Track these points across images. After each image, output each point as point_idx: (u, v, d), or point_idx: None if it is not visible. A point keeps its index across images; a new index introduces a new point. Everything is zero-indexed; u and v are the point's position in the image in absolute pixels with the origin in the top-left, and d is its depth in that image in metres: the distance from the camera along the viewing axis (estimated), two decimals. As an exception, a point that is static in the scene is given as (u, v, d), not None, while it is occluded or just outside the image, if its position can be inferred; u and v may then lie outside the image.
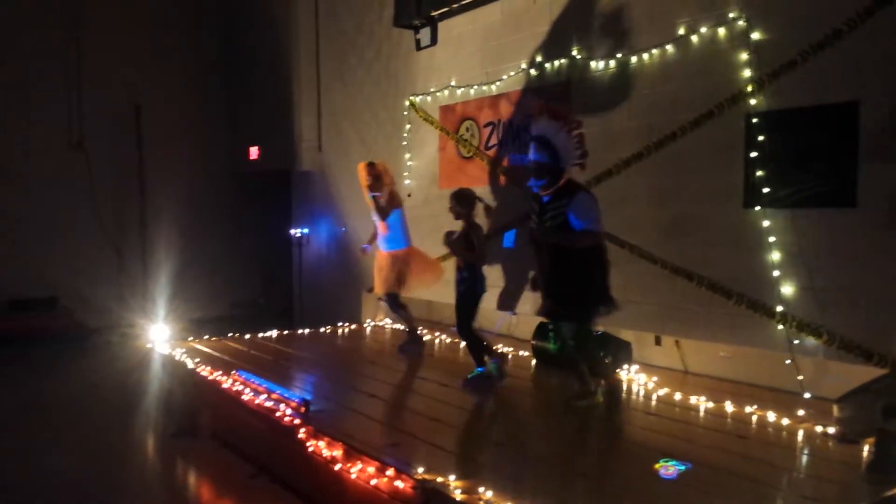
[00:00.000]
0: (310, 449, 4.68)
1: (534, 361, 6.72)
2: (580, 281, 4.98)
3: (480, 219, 6.14)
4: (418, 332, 7.50)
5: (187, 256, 11.10)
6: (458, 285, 5.94)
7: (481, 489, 3.64)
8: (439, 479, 3.80)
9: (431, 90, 8.58)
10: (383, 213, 7.03)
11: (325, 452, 4.55)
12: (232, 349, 7.40)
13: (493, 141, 7.79)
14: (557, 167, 4.98)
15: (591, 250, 4.99)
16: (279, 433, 5.05)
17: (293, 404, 5.14)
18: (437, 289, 7.41)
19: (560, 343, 5.65)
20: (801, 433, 4.68)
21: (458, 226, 6.07)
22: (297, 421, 4.93)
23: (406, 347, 7.33)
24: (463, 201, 5.96)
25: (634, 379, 6.02)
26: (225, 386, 5.94)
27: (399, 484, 3.93)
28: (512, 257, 7.28)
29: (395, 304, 7.27)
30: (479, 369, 5.93)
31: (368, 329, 8.76)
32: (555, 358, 6.31)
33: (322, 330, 8.58)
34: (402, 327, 7.98)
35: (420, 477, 3.85)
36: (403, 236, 7.17)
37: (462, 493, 3.65)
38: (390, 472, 4.02)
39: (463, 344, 6.35)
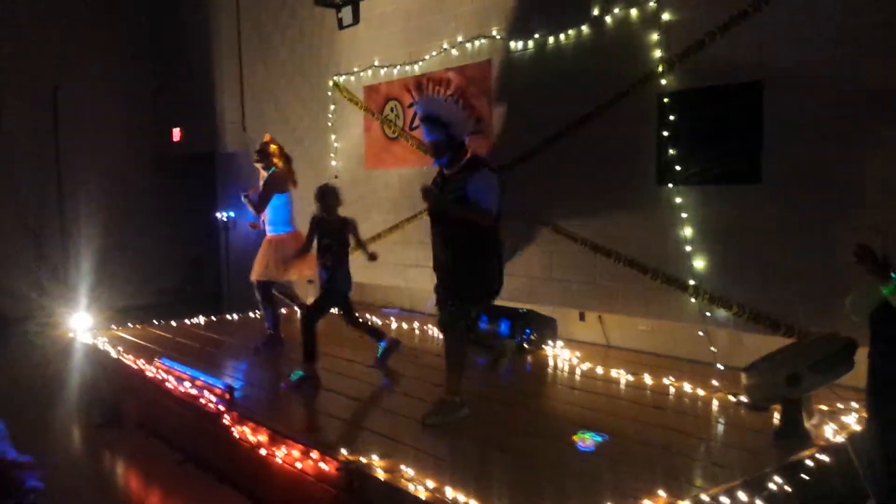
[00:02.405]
0: (235, 435, 4.68)
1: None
2: (460, 267, 4.64)
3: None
4: (279, 333, 6.91)
5: (110, 242, 10.81)
6: (325, 284, 5.71)
7: (402, 467, 3.71)
8: (362, 460, 3.86)
9: (355, 70, 8.54)
10: (260, 196, 6.65)
11: (251, 437, 4.56)
12: (157, 337, 7.30)
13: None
14: (454, 141, 4.59)
15: (478, 236, 4.57)
16: (204, 420, 5.04)
17: (217, 391, 5.12)
18: (368, 270, 7.38)
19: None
20: (714, 402, 4.89)
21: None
22: (221, 407, 4.92)
23: (262, 349, 6.75)
24: (328, 196, 5.71)
25: (559, 355, 6.17)
26: (149, 374, 5.87)
27: (323, 466, 3.98)
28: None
29: (265, 295, 6.77)
30: (300, 374, 5.55)
31: (299, 313, 8.70)
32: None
33: (252, 315, 8.50)
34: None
35: (343, 458, 3.91)
36: (287, 220, 6.75)
37: (385, 472, 3.72)
38: (314, 454, 4.07)
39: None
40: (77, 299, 8.68)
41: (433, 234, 4.80)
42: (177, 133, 11.69)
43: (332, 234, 5.70)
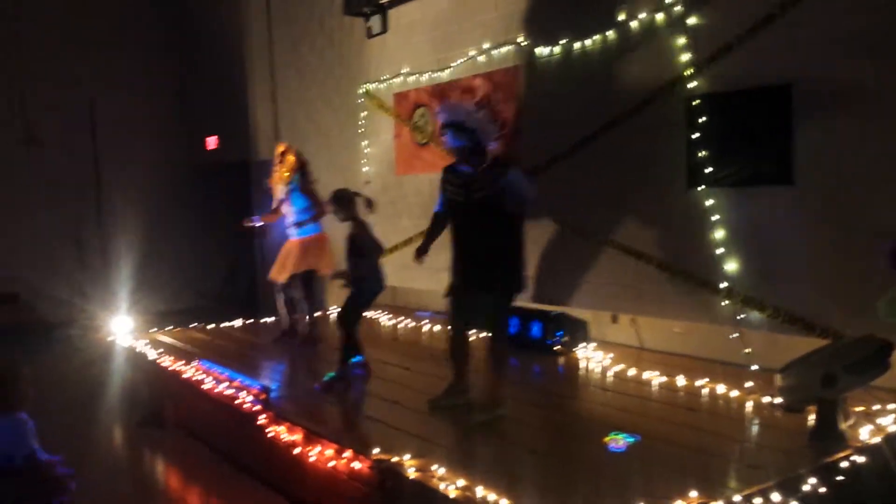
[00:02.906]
0: (270, 435, 4.77)
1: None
2: (497, 261, 4.73)
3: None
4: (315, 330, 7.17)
5: (148, 248, 10.99)
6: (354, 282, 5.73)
7: (434, 466, 3.75)
8: (394, 459, 3.91)
9: (384, 78, 8.64)
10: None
11: (286, 437, 4.64)
12: (195, 339, 7.44)
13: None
14: (480, 147, 4.72)
15: (509, 230, 4.73)
16: (241, 420, 5.13)
17: (254, 391, 5.21)
18: (402, 273, 7.47)
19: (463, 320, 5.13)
20: (749, 404, 4.86)
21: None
22: (257, 408, 5.00)
23: (302, 345, 7.03)
24: (341, 203, 5.71)
25: (591, 357, 6.18)
26: (187, 376, 5.99)
27: (356, 465, 4.04)
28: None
29: (291, 289, 7.05)
30: (332, 375, 5.61)
31: (332, 316, 8.81)
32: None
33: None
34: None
35: (376, 457, 3.96)
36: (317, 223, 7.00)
37: (416, 470, 3.77)
38: (348, 453, 4.13)
39: (417, 324, 6.37)
40: (117, 304, 8.88)
41: (465, 231, 4.85)
42: (212, 142, 11.88)
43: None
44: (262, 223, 7.42)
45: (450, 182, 4.90)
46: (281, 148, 7.12)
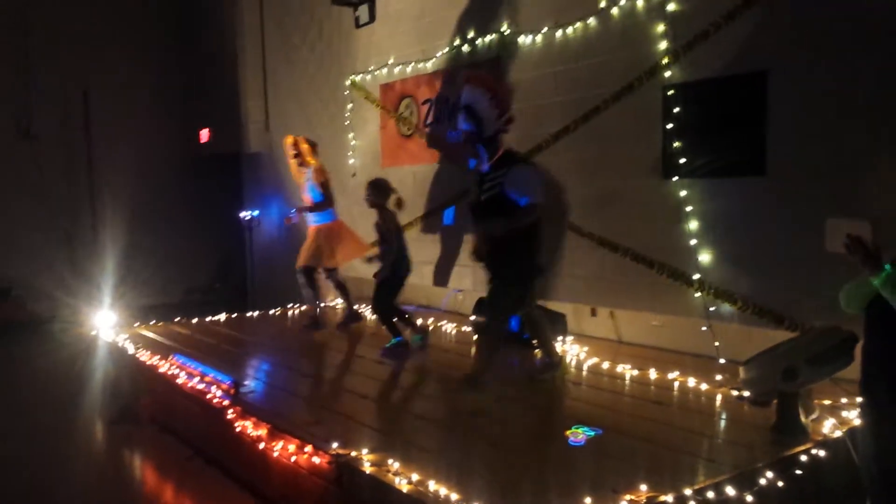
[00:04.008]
0: (238, 429, 4.76)
1: (475, 337, 6.81)
2: (513, 254, 4.95)
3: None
4: (319, 309, 7.61)
5: (139, 242, 11.03)
6: (381, 272, 6.15)
7: (390, 461, 3.74)
8: (353, 453, 3.90)
9: (371, 68, 8.60)
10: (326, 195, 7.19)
11: (252, 432, 4.63)
12: (176, 334, 7.44)
13: (431, 118, 7.83)
14: (481, 136, 4.96)
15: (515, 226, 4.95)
16: (211, 415, 5.13)
17: (224, 386, 5.21)
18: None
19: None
20: (718, 398, 4.82)
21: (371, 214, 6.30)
22: (226, 402, 5.00)
23: (344, 324, 7.45)
24: (379, 191, 6.17)
25: (567, 350, 6.14)
26: (162, 370, 5.99)
27: (316, 459, 4.03)
28: (454, 234, 7.37)
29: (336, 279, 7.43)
30: (397, 339, 6.19)
31: (318, 310, 8.80)
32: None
33: (272, 312, 8.62)
34: (340, 303, 8.01)
35: (334, 451, 3.95)
36: (330, 210, 7.29)
37: (372, 465, 3.76)
38: (308, 448, 4.11)
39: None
40: (104, 298, 8.89)
41: (476, 227, 5.17)
42: (204, 134, 11.89)
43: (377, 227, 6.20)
44: (298, 217, 7.53)
45: (473, 182, 5.19)
46: (290, 140, 7.32)
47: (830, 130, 4.71)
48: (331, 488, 3.93)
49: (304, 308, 8.47)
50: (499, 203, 4.90)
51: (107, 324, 7.67)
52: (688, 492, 3.33)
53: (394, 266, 6.12)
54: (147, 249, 10.89)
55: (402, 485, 3.52)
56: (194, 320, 8.08)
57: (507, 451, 4.04)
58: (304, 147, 7.24)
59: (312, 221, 7.28)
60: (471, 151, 5.12)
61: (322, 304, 7.78)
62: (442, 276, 7.69)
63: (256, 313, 8.58)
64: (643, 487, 3.33)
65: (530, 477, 3.63)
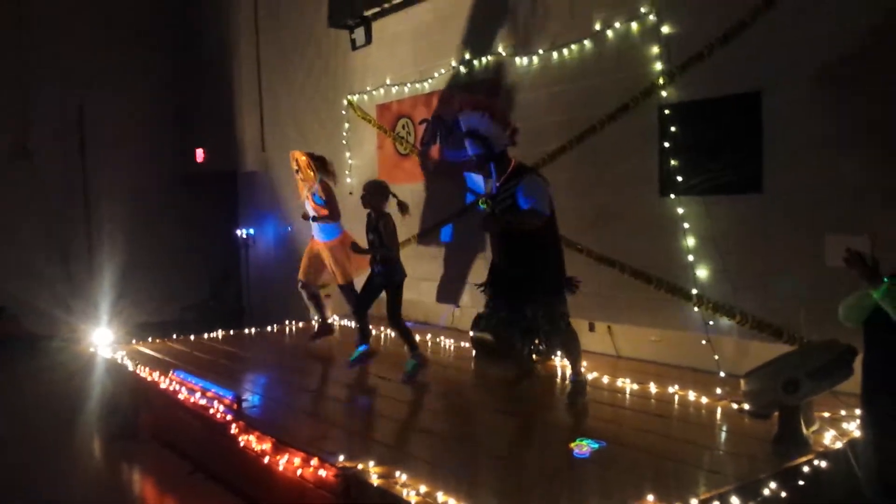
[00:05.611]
0: (241, 444, 4.77)
1: (473, 352, 6.85)
2: (535, 264, 4.91)
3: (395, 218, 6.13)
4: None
5: (135, 260, 11.01)
6: (375, 277, 5.98)
7: (397, 473, 3.76)
8: (359, 466, 3.92)
9: (368, 89, 8.70)
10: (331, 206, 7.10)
11: (256, 446, 4.64)
12: (174, 351, 7.44)
13: (428, 137, 7.92)
14: (493, 154, 4.95)
15: (543, 233, 4.90)
16: (213, 430, 5.13)
17: (226, 401, 5.22)
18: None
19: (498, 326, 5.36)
20: (718, 411, 4.87)
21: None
22: (229, 417, 5.01)
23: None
24: (376, 192, 5.95)
25: (567, 364, 6.17)
26: (162, 386, 6.00)
27: (322, 473, 4.04)
28: (452, 250, 7.43)
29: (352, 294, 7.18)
30: (363, 347, 6.11)
31: (316, 326, 8.81)
32: (494, 347, 6.38)
33: (269, 329, 8.63)
34: (350, 324, 7.98)
35: (341, 465, 3.97)
36: (336, 225, 7.15)
37: (379, 477, 3.78)
38: (314, 461, 4.13)
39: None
40: (101, 316, 8.88)
41: (493, 243, 5.16)
42: (200, 154, 11.93)
43: (374, 230, 5.91)
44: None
45: (490, 198, 5.15)
46: (295, 156, 7.21)
47: (825, 147, 4.81)
48: (338, 502, 3.94)
49: (301, 324, 8.49)
50: (513, 214, 4.86)
51: (104, 341, 7.66)
52: (694, 502, 3.37)
53: (391, 273, 5.93)
54: (143, 267, 10.88)
55: (411, 496, 3.54)
56: (191, 337, 8.08)
57: (514, 463, 4.08)
58: (303, 160, 7.09)
59: (319, 237, 7.16)
60: (484, 172, 5.14)
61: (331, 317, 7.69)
62: (446, 292, 7.73)
63: (254, 330, 8.57)
64: (650, 498, 3.38)
65: (539, 489, 3.66)
